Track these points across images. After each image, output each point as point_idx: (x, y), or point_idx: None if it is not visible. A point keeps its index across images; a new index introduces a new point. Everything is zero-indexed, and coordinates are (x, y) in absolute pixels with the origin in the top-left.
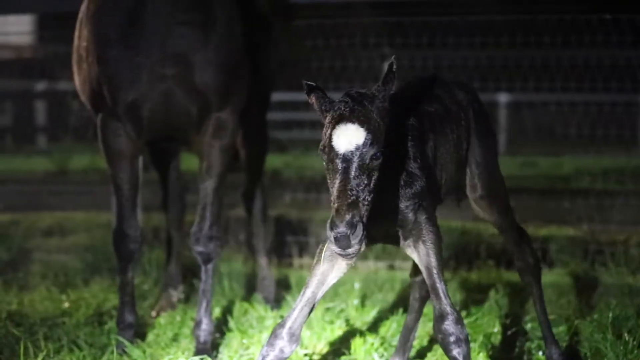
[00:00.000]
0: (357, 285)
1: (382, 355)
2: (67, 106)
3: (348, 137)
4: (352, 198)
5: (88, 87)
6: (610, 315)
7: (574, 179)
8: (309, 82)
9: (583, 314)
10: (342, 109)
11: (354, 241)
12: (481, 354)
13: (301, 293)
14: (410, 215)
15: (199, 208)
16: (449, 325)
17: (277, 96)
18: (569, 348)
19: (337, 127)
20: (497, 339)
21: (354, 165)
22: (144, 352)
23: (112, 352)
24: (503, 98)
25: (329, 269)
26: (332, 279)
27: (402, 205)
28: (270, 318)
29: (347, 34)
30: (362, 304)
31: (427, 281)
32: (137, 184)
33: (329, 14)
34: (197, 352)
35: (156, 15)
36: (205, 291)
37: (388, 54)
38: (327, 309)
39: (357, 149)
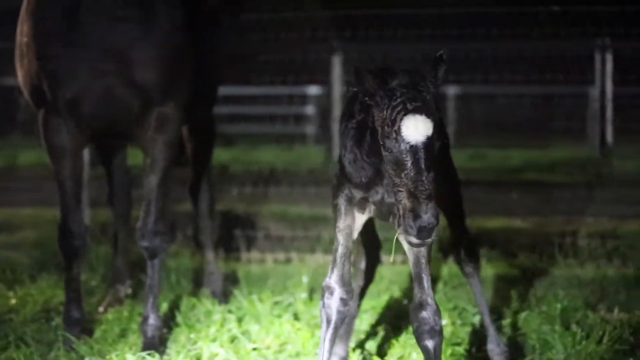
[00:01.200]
0: (305, 279)
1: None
2: (14, 102)
3: (419, 128)
4: (429, 189)
5: (29, 83)
6: (559, 306)
7: (523, 171)
8: (359, 69)
9: (531, 305)
10: (408, 99)
11: (435, 232)
12: None
13: (334, 250)
14: None
15: (144, 203)
16: (427, 314)
17: (224, 90)
18: (517, 340)
19: (406, 117)
20: (446, 332)
21: (425, 156)
22: (92, 348)
23: (60, 349)
24: (451, 90)
25: (350, 220)
26: (356, 230)
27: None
28: (218, 312)
29: (295, 27)
30: (310, 297)
31: (414, 269)
32: (81, 180)
33: (277, 7)
34: (145, 348)
35: (96, 10)
36: (152, 286)
37: (336, 47)
38: (276, 303)
39: (427, 139)
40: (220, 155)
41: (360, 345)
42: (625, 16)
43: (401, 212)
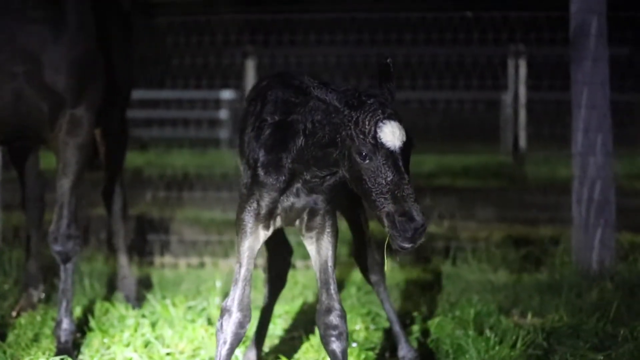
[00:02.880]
0: (219, 284)
1: (244, 352)
2: None
3: (395, 134)
4: (412, 191)
5: None
6: (472, 311)
7: (436, 177)
8: (312, 81)
9: (445, 310)
10: (380, 107)
11: (424, 232)
12: None
13: (236, 272)
14: (323, 207)
15: (56, 207)
16: (335, 319)
17: (138, 94)
18: (430, 345)
19: (382, 124)
20: (359, 336)
21: (402, 161)
22: (4, 352)
23: None
24: None
25: (254, 241)
26: (257, 250)
27: (321, 197)
28: (132, 317)
29: (209, 31)
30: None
31: (320, 275)
32: None
33: (190, 11)
34: (58, 352)
35: (5, 12)
36: (65, 290)
37: (249, 51)
38: (189, 308)
39: (403, 144)
40: (134, 159)
41: (274, 350)
42: (538, 22)
43: (389, 219)
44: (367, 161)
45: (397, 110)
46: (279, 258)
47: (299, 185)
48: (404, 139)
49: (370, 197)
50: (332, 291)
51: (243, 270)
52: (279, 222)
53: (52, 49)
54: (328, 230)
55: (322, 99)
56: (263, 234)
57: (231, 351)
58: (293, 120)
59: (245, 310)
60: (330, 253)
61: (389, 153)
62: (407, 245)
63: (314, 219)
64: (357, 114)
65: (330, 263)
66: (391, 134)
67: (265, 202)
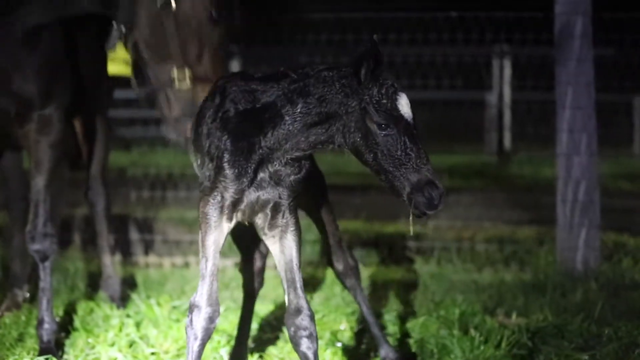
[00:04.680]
0: None
1: (229, 352)
2: None
3: (409, 106)
4: (430, 160)
5: None
6: (457, 311)
7: None
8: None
9: (429, 310)
10: (392, 80)
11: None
12: (328, 351)
13: (202, 267)
14: (286, 204)
15: (32, 206)
16: (304, 320)
17: (122, 93)
18: (415, 345)
19: (399, 96)
20: (343, 336)
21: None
22: None
23: None
24: None
25: (219, 235)
26: (222, 243)
27: (286, 191)
28: (116, 317)
29: None
30: None
31: (286, 275)
32: None
33: None
34: (42, 352)
35: None
36: (44, 289)
37: (234, 51)
38: (174, 307)
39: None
40: (119, 158)
41: (259, 349)
42: (523, 23)
43: (414, 187)
44: (387, 131)
45: None
46: (254, 258)
47: (264, 175)
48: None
49: (388, 168)
50: (300, 291)
51: (209, 265)
52: (240, 215)
53: (19, 56)
54: (292, 228)
55: (327, 77)
56: (227, 227)
57: (202, 346)
58: (267, 105)
59: (214, 305)
60: (294, 251)
61: (407, 123)
62: (430, 212)
63: (277, 216)
64: (374, 87)
65: (295, 262)
66: (407, 106)
67: (230, 193)
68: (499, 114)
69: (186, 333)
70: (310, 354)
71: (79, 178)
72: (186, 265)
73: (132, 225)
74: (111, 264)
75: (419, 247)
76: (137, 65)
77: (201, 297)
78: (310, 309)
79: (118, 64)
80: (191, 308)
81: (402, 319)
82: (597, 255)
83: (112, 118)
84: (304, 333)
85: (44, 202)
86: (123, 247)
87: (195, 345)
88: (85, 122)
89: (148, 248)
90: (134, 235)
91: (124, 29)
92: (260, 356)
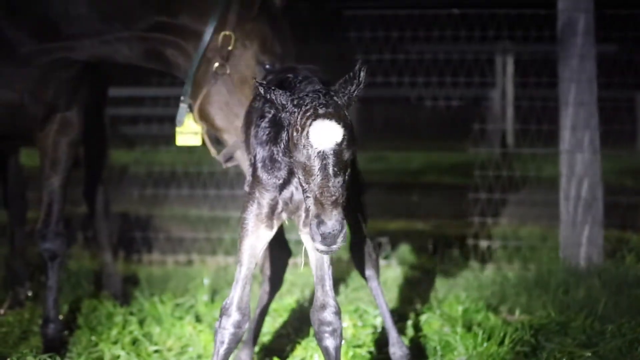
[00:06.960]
0: (206, 281)
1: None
2: None
3: (327, 135)
4: (335, 195)
5: None
6: (460, 308)
7: (423, 174)
8: (261, 83)
9: (433, 307)
10: (317, 104)
11: (340, 238)
12: None
13: (237, 271)
14: None
15: (45, 205)
16: (329, 315)
17: (125, 92)
18: (418, 341)
19: (314, 123)
20: (347, 333)
21: (334, 163)
22: None
23: None
24: None
25: (255, 240)
26: (260, 249)
27: None
28: (119, 314)
29: None
30: (212, 299)
31: (317, 271)
32: None
33: None
34: (46, 350)
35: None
36: (51, 288)
37: None
38: (177, 305)
39: (337, 145)
40: (121, 157)
41: (263, 347)
42: (526, 20)
43: (309, 218)
44: (298, 159)
45: (342, 111)
46: (277, 258)
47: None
48: (339, 140)
49: (303, 194)
50: (328, 288)
51: (244, 270)
52: (284, 217)
53: None
54: None
55: (269, 100)
56: (266, 234)
57: (229, 351)
58: (278, 115)
59: (244, 310)
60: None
61: (317, 153)
62: (320, 247)
63: None
64: (296, 111)
65: (326, 261)
66: (321, 135)
67: (266, 199)
68: (502, 110)
69: (214, 337)
70: (332, 349)
71: (78, 176)
72: (189, 263)
73: (136, 223)
74: (112, 262)
75: (422, 244)
76: (210, 133)
77: (231, 302)
78: (336, 306)
79: (187, 136)
80: (222, 312)
81: (406, 315)
82: (600, 252)
83: (115, 116)
84: (328, 328)
85: (59, 202)
86: (127, 245)
87: (221, 350)
88: (86, 121)
89: (151, 246)
90: (138, 233)
91: (190, 103)
92: (266, 355)
